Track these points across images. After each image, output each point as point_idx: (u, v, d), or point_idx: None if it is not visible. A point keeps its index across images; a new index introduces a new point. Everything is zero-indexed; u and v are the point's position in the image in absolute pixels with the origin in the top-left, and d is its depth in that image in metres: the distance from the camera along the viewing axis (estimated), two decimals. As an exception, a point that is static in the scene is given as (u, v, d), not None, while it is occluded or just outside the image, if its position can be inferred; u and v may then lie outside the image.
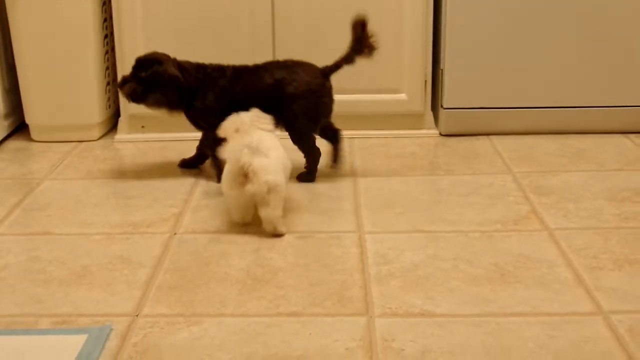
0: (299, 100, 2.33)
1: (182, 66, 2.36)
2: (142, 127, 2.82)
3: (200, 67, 2.39)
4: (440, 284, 1.77)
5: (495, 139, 2.77)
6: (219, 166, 2.29)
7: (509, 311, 1.66)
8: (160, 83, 2.32)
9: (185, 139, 2.66)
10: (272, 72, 2.36)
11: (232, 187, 2.01)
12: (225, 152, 2.02)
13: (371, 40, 2.33)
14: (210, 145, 2.34)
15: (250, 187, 1.97)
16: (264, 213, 2.01)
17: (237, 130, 2.07)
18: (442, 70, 2.76)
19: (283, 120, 2.34)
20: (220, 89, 2.36)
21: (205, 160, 2.51)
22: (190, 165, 2.53)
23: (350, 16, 2.67)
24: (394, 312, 1.66)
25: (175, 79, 2.32)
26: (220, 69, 2.39)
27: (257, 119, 2.10)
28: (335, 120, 2.65)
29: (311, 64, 2.40)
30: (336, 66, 2.38)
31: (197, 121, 2.42)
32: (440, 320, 1.63)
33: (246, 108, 2.15)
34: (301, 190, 2.34)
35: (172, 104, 2.37)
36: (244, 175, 1.97)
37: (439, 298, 1.71)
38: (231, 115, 2.13)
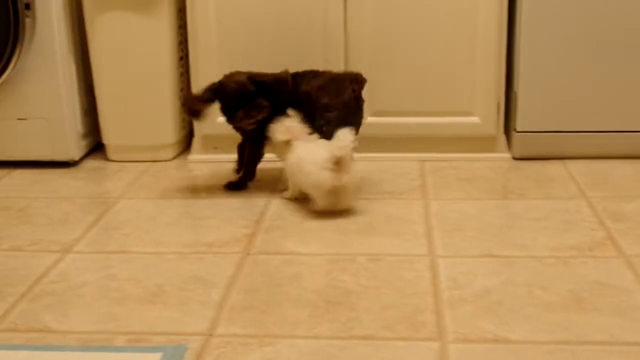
0: (333, 110, 2.40)
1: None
2: (215, 147, 2.85)
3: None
4: (515, 310, 1.75)
5: (569, 163, 2.73)
6: (249, 176, 2.52)
7: (585, 339, 1.63)
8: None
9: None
10: (309, 81, 2.44)
11: (327, 175, 2.25)
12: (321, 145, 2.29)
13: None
14: (255, 157, 2.51)
15: (344, 176, 2.25)
16: (346, 197, 2.31)
17: (289, 135, 2.34)
18: (515, 93, 2.73)
19: (316, 128, 2.39)
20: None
21: (252, 177, 2.55)
22: (240, 187, 2.56)
23: (420, 42, 2.68)
24: (467, 337, 1.65)
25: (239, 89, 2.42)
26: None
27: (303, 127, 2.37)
28: (406, 142, 2.65)
29: (347, 77, 2.47)
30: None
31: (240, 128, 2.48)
32: (515, 347, 1.61)
33: (283, 115, 2.37)
34: (373, 212, 2.34)
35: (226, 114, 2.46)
36: (338, 164, 2.23)
37: (513, 324, 1.69)
38: (281, 121, 2.35)
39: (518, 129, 2.75)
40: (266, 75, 2.45)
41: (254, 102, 2.40)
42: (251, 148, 2.51)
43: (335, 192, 2.29)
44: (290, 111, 2.37)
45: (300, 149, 2.33)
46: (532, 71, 2.70)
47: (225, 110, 2.44)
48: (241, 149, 2.57)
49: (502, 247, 2.09)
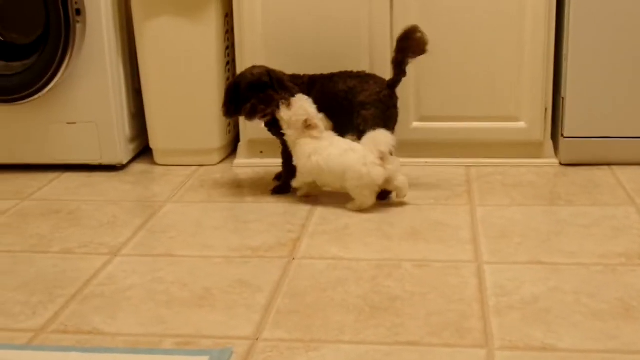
0: (369, 108, 2.44)
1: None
2: (261, 152, 2.87)
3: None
4: (562, 318, 1.73)
5: (617, 169, 2.70)
6: (292, 177, 2.51)
7: (634, 348, 1.61)
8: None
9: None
10: (345, 80, 2.51)
11: (379, 171, 2.34)
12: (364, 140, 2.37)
13: (419, 36, 2.42)
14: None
15: (389, 166, 2.34)
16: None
17: (307, 124, 2.40)
18: (563, 98, 2.71)
19: (353, 126, 2.45)
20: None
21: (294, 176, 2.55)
22: (285, 190, 2.57)
23: (466, 46, 2.68)
24: (515, 345, 1.64)
25: (283, 81, 2.47)
26: (296, 77, 2.54)
27: (319, 116, 2.43)
28: (452, 147, 2.65)
29: (380, 77, 2.52)
30: (397, 78, 2.48)
31: (276, 129, 2.51)
32: (563, 356, 1.59)
33: (320, 112, 2.43)
34: (418, 218, 2.33)
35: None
36: (384, 159, 2.33)
37: (561, 332, 1.68)
38: (298, 102, 2.42)
39: (565, 135, 2.73)
40: (284, 73, 2.53)
41: (265, 95, 2.43)
42: (286, 146, 2.53)
43: (388, 187, 2.40)
44: (299, 95, 2.44)
45: (332, 150, 2.38)
46: (580, 76, 2.67)
47: (236, 103, 2.47)
48: (285, 154, 2.59)
49: (549, 253, 2.07)
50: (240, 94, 2.45)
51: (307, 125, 2.40)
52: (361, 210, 2.38)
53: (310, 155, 2.40)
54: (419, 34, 2.41)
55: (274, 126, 2.50)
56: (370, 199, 2.37)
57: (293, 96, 2.44)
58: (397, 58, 2.46)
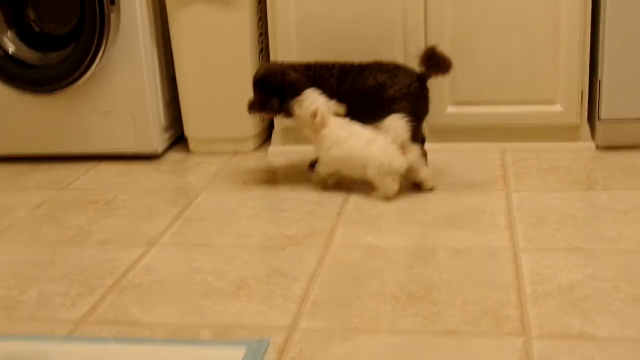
0: (399, 102, 2.43)
1: (295, 68, 2.51)
2: (295, 139, 2.87)
3: (309, 67, 2.53)
4: (601, 306, 1.72)
5: (655, 151, 2.67)
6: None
7: (674, 336, 1.60)
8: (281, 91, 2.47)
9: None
10: (376, 75, 2.49)
11: (402, 159, 2.35)
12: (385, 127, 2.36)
13: (443, 58, 2.43)
14: None
15: (410, 155, 2.35)
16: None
17: (314, 116, 2.39)
18: (599, 80, 2.67)
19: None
20: (329, 88, 2.49)
21: None
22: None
23: (501, 30, 2.65)
24: (552, 333, 1.63)
25: (295, 84, 2.46)
26: (327, 68, 2.53)
27: (330, 104, 2.42)
28: (487, 131, 2.63)
29: (411, 69, 2.49)
30: (429, 73, 2.47)
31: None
32: (601, 344, 1.58)
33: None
34: (453, 204, 2.33)
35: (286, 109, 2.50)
36: (404, 147, 2.34)
37: (599, 320, 1.67)
38: (306, 95, 2.42)
39: (602, 117, 2.69)
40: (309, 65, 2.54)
41: (266, 97, 2.47)
42: None
43: (414, 178, 2.42)
44: (311, 89, 2.44)
45: (352, 141, 2.39)
46: (616, 58, 2.64)
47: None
48: None
49: (586, 240, 2.06)
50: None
51: (314, 118, 2.41)
52: (387, 198, 2.37)
53: (330, 147, 2.41)
54: (439, 56, 2.42)
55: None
56: (394, 185, 2.37)
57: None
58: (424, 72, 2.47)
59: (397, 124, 2.34)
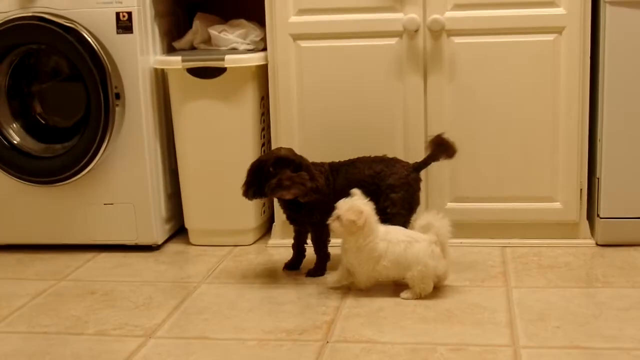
0: (398, 191, 2.48)
1: None
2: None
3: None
4: (602, 406, 1.70)
5: (655, 249, 2.67)
6: (325, 260, 2.57)
7: None
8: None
9: (334, 245, 2.66)
10: (370, 165, 2.55)
11: (444, 263, 2.34)
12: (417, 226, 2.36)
13: (450, 143, 2.52)
14: (323, 240, 2.56)
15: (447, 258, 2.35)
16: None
17: (358, 215, 2.30)
18: (598, 179, 2.70)
19: (379, 209, 2.43)
20: (325, 182, 2.50)
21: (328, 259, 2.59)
22: (294, 267, 2.64)
23: (501, 128, 2.69)
24: None
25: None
26: (318, 165, 2.55)
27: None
28: (487, 227, 2.63)
29: (403, 160, 2.57)
30: (425, 163, 2.56)
31: (304, 220, 2.54)
32: None
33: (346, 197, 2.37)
34: (453, 299, 2.32)
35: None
36: (444, 250, 2.33)
37: (600, 421, 1.64)
38: (349, 205, 2.32)
39: (602, 215, 2.71)
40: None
41: (293, 171, 2.43)
42: (316, 232, 2.55)
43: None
44: (355, 190, 2.38)
45: (394, 249, 2.31)
46: (615, 156, 2.67)
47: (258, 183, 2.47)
48: (297, 241, 2.64)
49: (587, 338, 2.04)
50: (264, 173, 2.45)
51: (356, 226, 2.31)
52: (419, 298, 2.33)
53: (379, 260, 2.32)
54: (447, 142, 2.51)
55: (298, 211, 2.52)
56: (431, 287, 2.33)
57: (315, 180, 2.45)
58: (430, 157, 2.55)
59: (441, 222, 2.30)
